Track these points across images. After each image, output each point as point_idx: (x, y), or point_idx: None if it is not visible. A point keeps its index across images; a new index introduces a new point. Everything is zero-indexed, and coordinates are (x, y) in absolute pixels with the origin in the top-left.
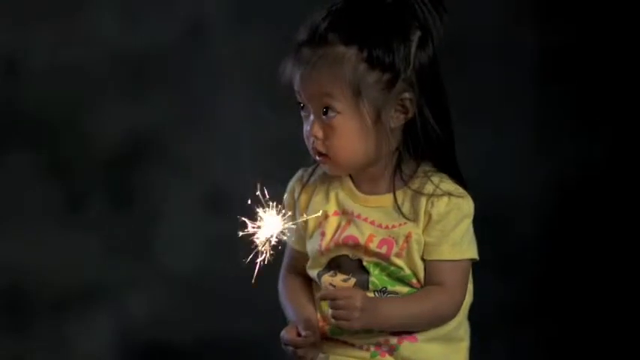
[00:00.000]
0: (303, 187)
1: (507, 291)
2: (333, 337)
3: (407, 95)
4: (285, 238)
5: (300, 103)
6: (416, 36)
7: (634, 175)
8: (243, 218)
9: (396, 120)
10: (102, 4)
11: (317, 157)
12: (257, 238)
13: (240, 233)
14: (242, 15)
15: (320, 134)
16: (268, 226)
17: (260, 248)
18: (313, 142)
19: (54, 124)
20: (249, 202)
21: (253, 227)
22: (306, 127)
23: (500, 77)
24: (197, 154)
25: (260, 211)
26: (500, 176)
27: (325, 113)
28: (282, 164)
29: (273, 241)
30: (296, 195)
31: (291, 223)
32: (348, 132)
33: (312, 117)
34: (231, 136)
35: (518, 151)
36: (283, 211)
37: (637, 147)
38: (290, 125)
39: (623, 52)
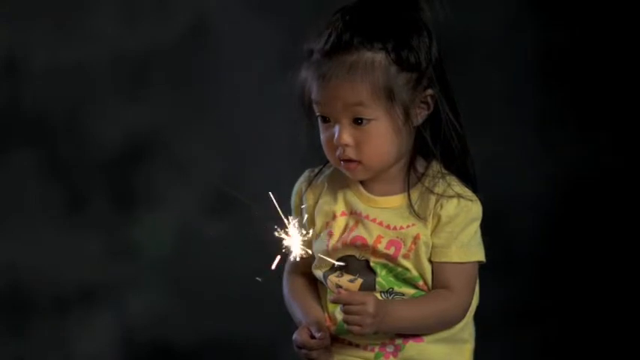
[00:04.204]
0: (311, 187)
1: (508, 291)
2: (339, 336)
3: (430, 91)
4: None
5: (324, 116)
6: (424, 31)
7: (634, 175)
8: (276, 228)
9: (419, 117)
10: (102, 4)
11: (342, 164)
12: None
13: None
14: (242, 15)
15: (350, 141)
16: (292, 239)
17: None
18: (343, 150)
19: (54, 124)
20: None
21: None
22: (325, 135)
23: (501, 77)
24: (197, 154)
25: (287, 222)
26: (501, 176)
27: (359, 123)
28: (284, 164)
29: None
30: (303, 196)
31: (306, 234)
32: (383, 136)
33: (337, 126)
34: (232, 136)
35: (518, 151)
36: (299, 224)
37: (637, 147)
38: (291, 125)
39: (624, 52)
